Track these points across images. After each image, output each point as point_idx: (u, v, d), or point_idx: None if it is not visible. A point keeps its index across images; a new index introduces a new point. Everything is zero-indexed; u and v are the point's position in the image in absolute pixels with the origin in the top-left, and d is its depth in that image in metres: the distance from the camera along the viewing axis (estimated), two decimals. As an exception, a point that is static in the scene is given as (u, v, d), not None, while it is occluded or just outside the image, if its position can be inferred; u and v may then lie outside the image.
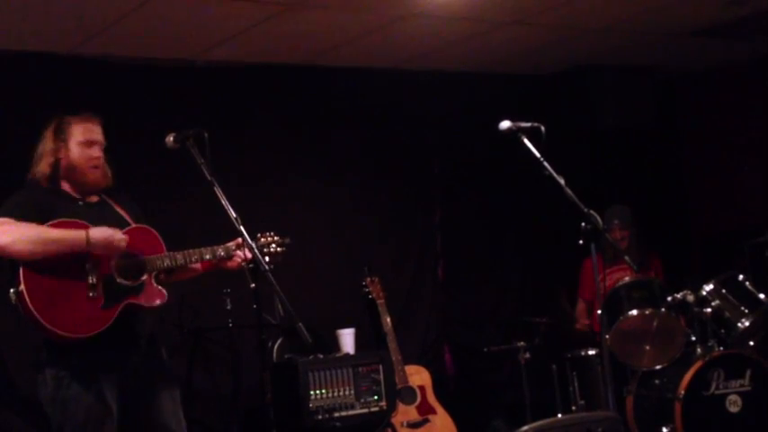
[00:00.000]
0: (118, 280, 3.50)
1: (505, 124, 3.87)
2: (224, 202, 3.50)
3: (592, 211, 3.78)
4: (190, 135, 3.66)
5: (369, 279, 5.78)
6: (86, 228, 3.44)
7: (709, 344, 5.41)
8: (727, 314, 5.41)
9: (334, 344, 5.81)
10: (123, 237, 3.51)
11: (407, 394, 5.61)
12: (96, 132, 3.70)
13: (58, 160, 3.62)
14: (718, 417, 5.27)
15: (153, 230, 3.70)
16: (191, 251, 3.70)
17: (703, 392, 5.28)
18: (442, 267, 6.88)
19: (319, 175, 6.39)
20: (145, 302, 3.57)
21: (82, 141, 3.65)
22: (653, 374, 5.51)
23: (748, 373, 5.35)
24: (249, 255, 3.71)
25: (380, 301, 5.72)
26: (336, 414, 5.20)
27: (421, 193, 6.84)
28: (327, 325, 5.85)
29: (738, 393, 5.32)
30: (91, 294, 3.42)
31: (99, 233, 3.44)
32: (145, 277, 3.57)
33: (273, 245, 3.92)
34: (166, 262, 3.63)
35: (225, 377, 5.48)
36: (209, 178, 3.56)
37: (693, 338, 5.49)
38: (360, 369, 5.36)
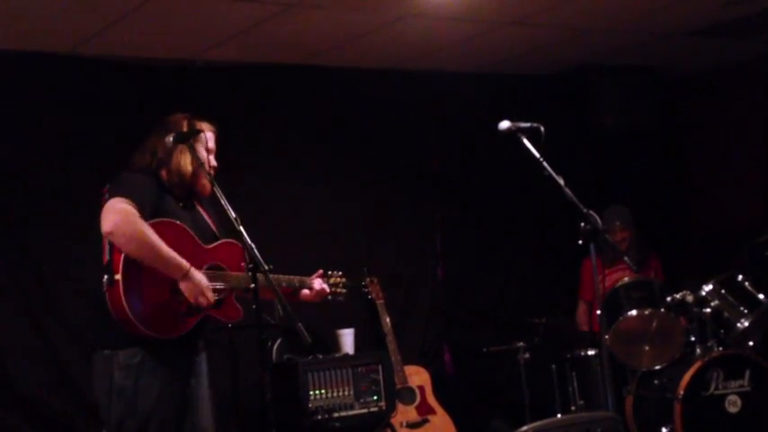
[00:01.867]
0: None
1: (505, 124, 3.87)
2: (224, 202, 3.51)
3: (591, 212, 3.78)
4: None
5: (368, 279, 5.78)
6: (190, 263, 3.47)
7: (709, 344, 5.42)
8: (726, 314, 5.42)
9: (334, 344, 5.81)
10: (212, 298, 3.52)
11: (407, 394, 5.61)
12: (215, 142, 3.76)
13: (193, 159, 3.63)
14: (717, 417, 5.28)
15: (240, 246, 3.71)
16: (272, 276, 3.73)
17: (702, 393, 5.29)
18: (441, 267, 6.88)
19: (319, 175, 6.39)
20: (222, 317, 3.66)
21: (208, 148, 3.71)
22: (652, 375, 5.52)
23: (747, 373, 5.35)
24: (326, 287, 3.98)
25: (380, 302, 5.72)
26: (336, 414, 5.21)
27: (421, 193, 6.84)
28: (327, 325, 5.85)
29: (738, 394, 5.33)
30: (179, 298, 3.47)
31: (198, 279, 3.48)
32: (227, 293, 3.64)
33: (341, 286, 4.11)
34: (250, 282, 3.64)
35: (224, 377, 5.47)
36: (208, 178, 3.57)
37: (693, 339, 5.50)
38: (359, 369, 5.36)
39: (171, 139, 3.68)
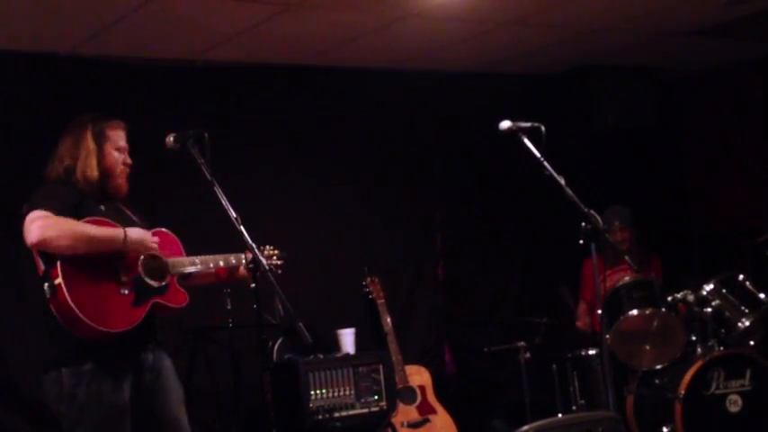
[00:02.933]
0: (146, 279, 3.58)
1: (506, 124, 3.87)
2: (224, 201, 3.53)
3: (592, 211, 3.78)
4: (190, 135, 3.69)
5: (369, 279, 5.78)
6: (121, 227, 3.54)
7: (710, 344, 5.41)
8: (727, 314, 5.42)
9: (335, 344, 5.81)
10: (155, 239, 3.64)
11: (407, 394, 5.61)
12: (126, 139, 3.78)
13: (98, 162, 3.66)
14: (718, 416, 5.28)
15: (173, 234, 3.80)
16: (208, 257, 3.81)
17: (703, 392, 5.28)
18: (442, 267, 6.88)
19: (319, 175, 6.38)
20: (169, 302, 3.66)
21: (119, 147, 3.73)
22: (653, 374, 5.52)
23: (748, 372, 5.35)
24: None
25: (381, 301, 5.72)
26: (336, 414, 5.21)
27: (421, 193, 6.84)
28: (327, 325, 5.85)
29: (738, 393, 5.32)
30: (123, 291, 3.50)
31: (135, 233, 3.57)
32: (169, 278, 3.66)
33: (275, 257, 4.09)
34: (187, 264, 3.73)
35: (225, 377, 5.48)
36: (209, 178, 3.58)
37: (694, 338, 5.50)
38: (360, 369, 5.37)
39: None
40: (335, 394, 5.25)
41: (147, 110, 5.65)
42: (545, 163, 3.78)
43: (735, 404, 5.31)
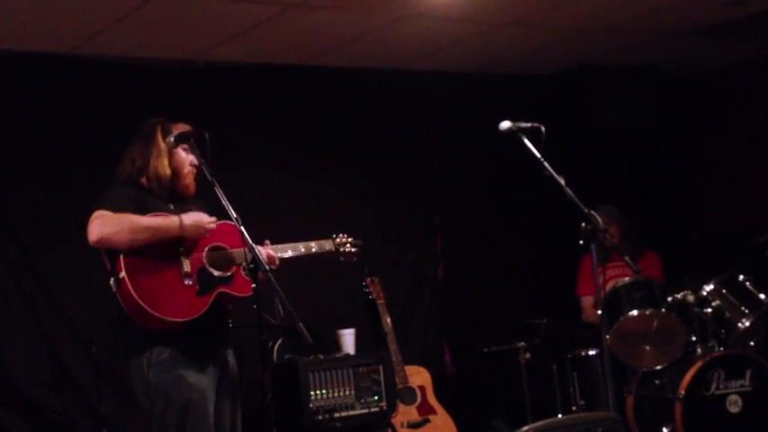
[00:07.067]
0: (210, 270, 3.65)
1: (506, 124, 3.86)
2: (225, 202, 3.53)
3: (592, 212, 3.78)
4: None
5: (369, 279, 5.77)
6: (176, 215, 3.60)
7: (710, 344, 5.41)
8: (727, 314, 5.42)
9: (335, 344, 5.81)
10: (212, 219, 3.67)
11: (408, 394, 5.60)
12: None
13: (169, 161, 3.73)
14: (718, 417, 5.28)
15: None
16: (275, 246, 3.88)
17: (704, 393, 5.28)
18: (442, 267, 6.88)
19: (319, 175, 6.39)
20: (235, 292, 3.72)
21: (186, 148, 3.77)
22: (653, 375, 5.52)
23: (748, 373, 5.35)
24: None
25: (380, 302, 5.72)
26: (336, 414, 5.21)
27: (421, 193, 6.84)
28: (327, 325, 5.85)
29: (739, 393, 5.32)
30: (186, 282, 3.56)
31: (190, 218, 3.61)
32: (234, 269, 3.71)
33: (348, 245, 4.26)
34: (252, 255, 3.70)
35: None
36: (209, 178, 3.58)
37: (694, 339, 5.50)
38: (360, 369, 5.36)
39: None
40: (335, 395, 5.24)
41: (148, 110, 5.63)
42: (545, 163, 3.77)
43: (735, 404, 5.31)
